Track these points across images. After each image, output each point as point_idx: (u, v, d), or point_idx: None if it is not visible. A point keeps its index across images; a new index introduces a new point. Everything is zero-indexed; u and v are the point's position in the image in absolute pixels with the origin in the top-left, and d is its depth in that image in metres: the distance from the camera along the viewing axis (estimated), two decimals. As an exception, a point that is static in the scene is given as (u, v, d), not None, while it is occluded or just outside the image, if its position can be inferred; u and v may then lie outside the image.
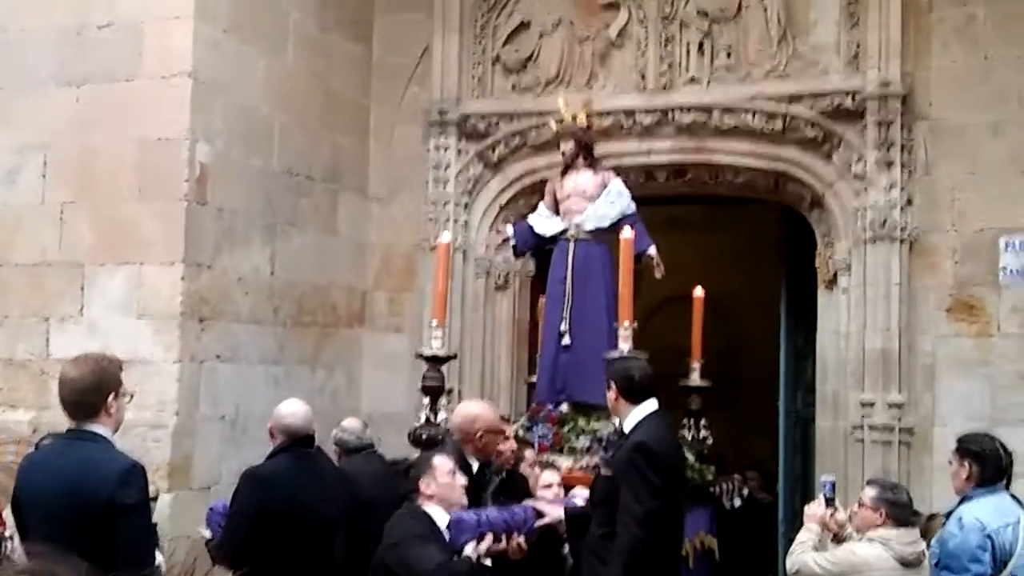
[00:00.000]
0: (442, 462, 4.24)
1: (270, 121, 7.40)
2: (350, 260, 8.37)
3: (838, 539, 4.86)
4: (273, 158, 7.43)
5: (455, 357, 6.38)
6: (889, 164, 7.21)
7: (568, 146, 6.89)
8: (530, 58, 8.23)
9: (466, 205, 8.28)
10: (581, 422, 6.34)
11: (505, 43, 8.32)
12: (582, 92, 7.86)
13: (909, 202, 7.21)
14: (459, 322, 8.18)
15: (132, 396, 3.68)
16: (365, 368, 8.44)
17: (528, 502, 4.66)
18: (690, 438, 6.80)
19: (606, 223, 6.68)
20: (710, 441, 6.91)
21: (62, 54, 6.85)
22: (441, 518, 4.08)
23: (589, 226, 6.72)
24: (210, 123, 6.77)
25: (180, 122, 6.59)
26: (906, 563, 4.49)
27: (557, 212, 6.93)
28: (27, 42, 6.96)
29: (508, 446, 5.12)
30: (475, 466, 4.65)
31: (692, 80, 7.80)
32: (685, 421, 6.89)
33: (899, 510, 4.57)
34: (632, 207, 6.77)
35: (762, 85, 7.61)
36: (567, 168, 6.94)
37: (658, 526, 4.25)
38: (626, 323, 5.88)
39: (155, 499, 5.28)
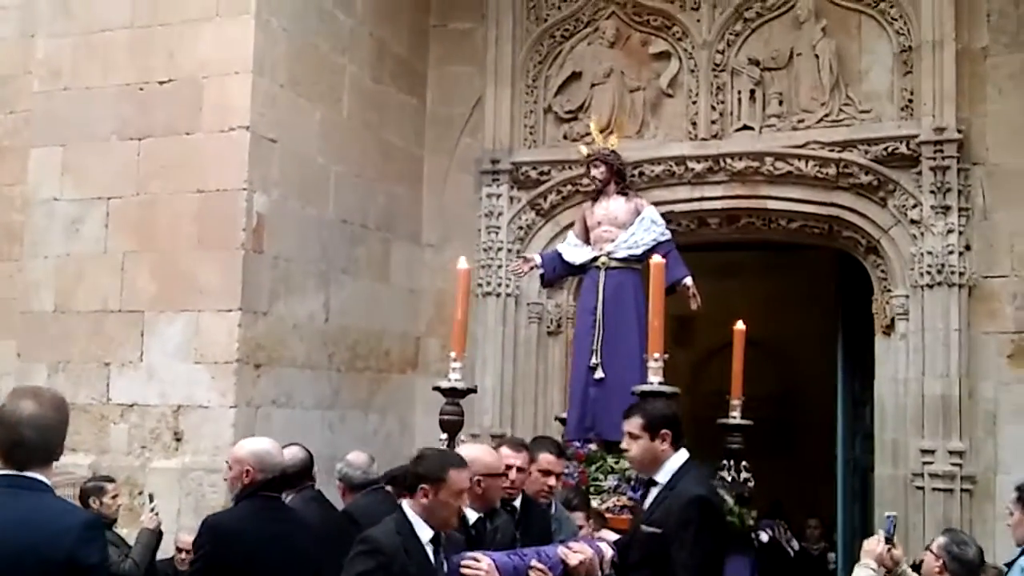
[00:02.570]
0: (459, 476, 3.70)
1: (326, 171, 7.54)
2: (403, 306, 8.45)
3: None
4: (328, 207, 7.56)
5: (475, 390, 5.97)
6: (946, 209, 7.14)
7: (599, 171, 6.68)
8: (581, 107, 8.32)
9: (518, 252, 8.33)
10: (610, 461, 6.06)
11: (557, 93, 8.43)
12: (633, 140, 7.91)
13: (967, 247, 7.13)
14: (511, 368, 8.21)
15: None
16: (418, 413, 8.48)
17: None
18: (730, 479, 6.39)
19: (639, 251, 6.42)
20: (751, 483, 6.46)
21: (124, 109, 7.06)
22: (426, 530, 3.63)
23: (620, 254, 6.48)
24: (267, 174, 6.92)
25: (238, 174, 6.74)
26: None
27: (588, 241, 6.70)
28: (91, 98, 7.18)
29: (519, 479, 4.54)
30: (472, 518, 4.13)
31: (744, 128, 7.82)
32: (725, 462, 6.47)
33: (959, 565, 4.48)
34: (667, 235, 6.54)
35: (815, 132, 7.60)
36: (598, 195, 6.73)
37: None
38: (656, 355, 5.47)
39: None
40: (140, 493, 6.39)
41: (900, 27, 7.49)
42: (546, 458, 4.76)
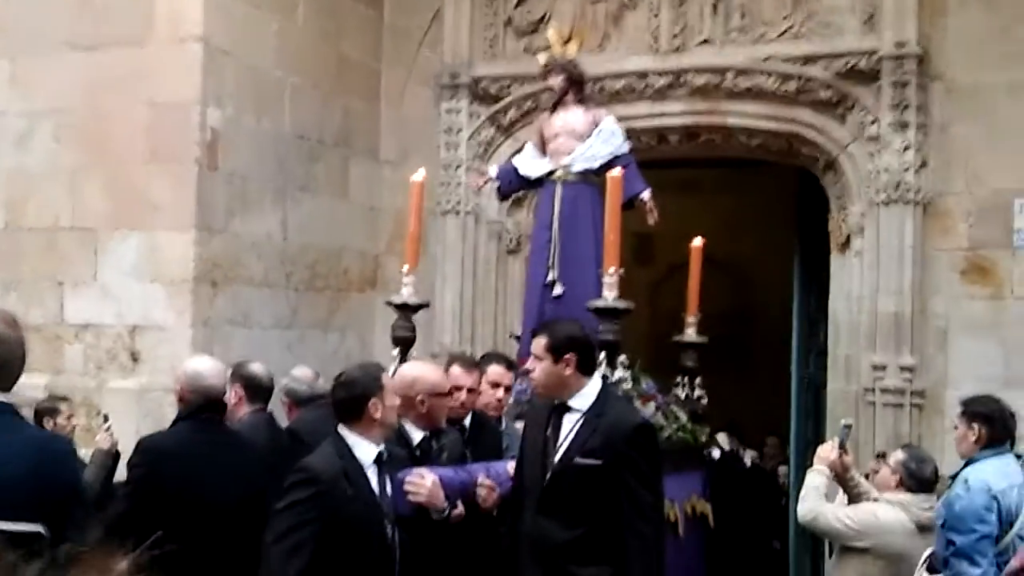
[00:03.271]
0: (388, 378, 3.77)
1: (281, 84, 7.39)
2: (362, 224, 8.37)
3: (845, 487, 4.92)
4: (285, 122, 7.42)
5: (427, 305, 5.82)
6: (904, 126, 7.14)
7: (557, 80, 6.33)
8: (542, 20, 8.16)
9: (478, 169, 8.26)
10: None
11: (517, 5, 8.25)
12: (595, 54, 7.79)
13: (923, 164, 7.15)
14: (471, 286, 8.20)
15: None
16: (378, 331, 8.47)
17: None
18: (683, 397, 6.30)
19: (596, 163, 6.10)
20: (704, 400, 6.41)
21: (73, 19, 6.84)
22: (369, 451, 3.60)
23: (578, 167, 6.15)
24: (221, 87, 6.77)
25: (191, 86, 6.59)
26: (923, 527, 4.54)
27: (545, 153, 6.39)
28: (38, 6, 6.95)
29: (469, 399, 4.41)
30: (417, 437, 4.03)
31: (705, 42, 7.73)
32: (679, 379, 6.36)
33: (915, 482, 4.64)
34: (625, 147, 6.25)
35: (776, 46, 7.53)
36: (556, 105, 6.40)
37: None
38: (612, 269, 5.23)
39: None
40: (98, 414, 6.35)
41: (864, -61, 7.39)
42: (495, 370, 4.73)
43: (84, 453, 5.76)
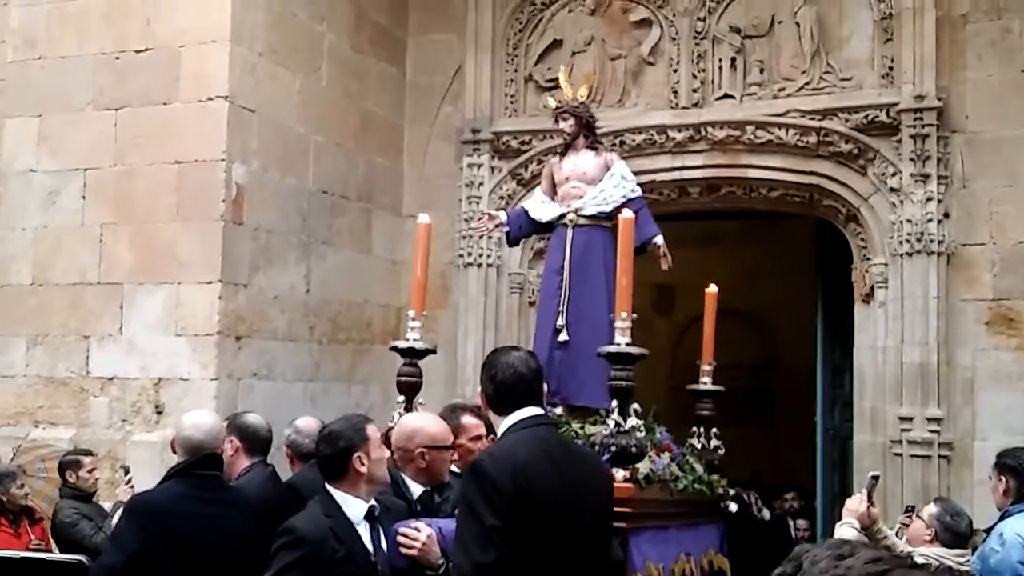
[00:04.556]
0: (374, 430, 3.49)
1: (305, 141, 7.49)
2: (384, 278, 8.42)
3: (873, 540, 4.84)
4: (308, 178, 7.51)
5: (434, 351, 5.59)
6: (925, 177, 7.16)
7: (567, 124, 6.16)
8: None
9: (487, 212, 8.28)
10: (575, 427, 5.61)
11: (537, 62, 8.37)
12: (615, 109, 7.87)
13: (946, 215, 7.15)
14: (493, 338, 8.19)
15: None
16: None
17: None
18: (699, 447, 6.02)
19: (608, 207, 5.95)
20: (721, 451, 6.12)
21: (101, 78, 6.98)
22: (359, 508, 3.41)
23: (589, 211, 5.99)
24: (246, 144, 6.87)
25: (217, 144, 6.69)
26: (959, 582, 4.47)
27: (555, 197, 6.23)
28: (67, 67, 7.09)
29: (479, 445, 4.16)
30: (417, 491, 3.81)
31: (725, 96, 7.81)
32: (695, 429, 6.09)
33: (951, 536, 4.55)
34: (637, 191, 6.10)
35: (795, 100, 7.60)
36: (566, 149, 6.25)
37: None
38: (623, 314, 4.98)
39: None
40: (122, 467, 6.38)
41: (881, -6, 7.47)
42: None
43: (107, 506, 5.80)
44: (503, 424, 3.37)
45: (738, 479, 7.00)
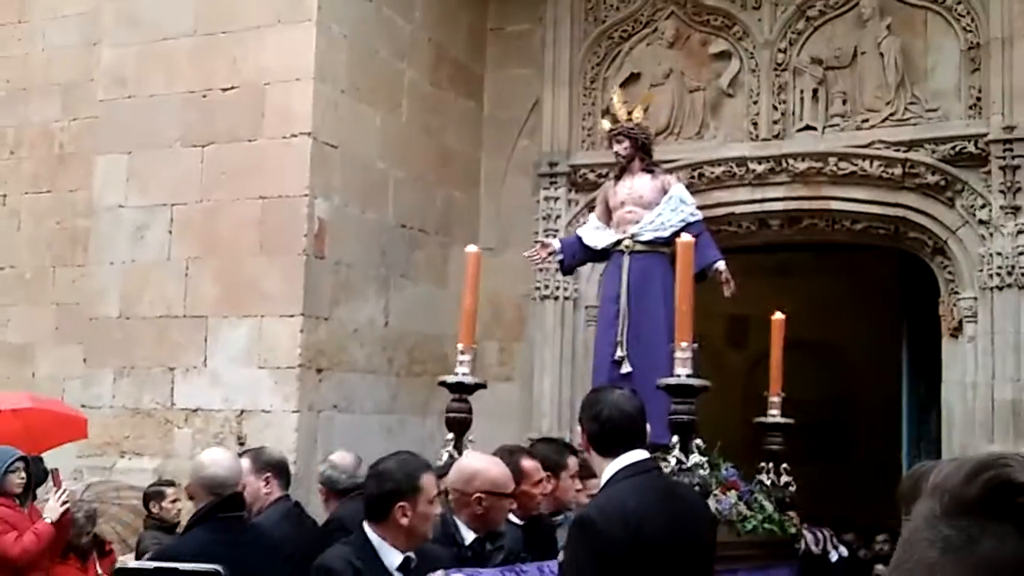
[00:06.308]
0: (430, 480, 3.22)
1: (385, 176, 7.57)
2: (460, 311, 8.42)
3: None
4: (388, 212, 7.58)
5: (484, 386, 5.40)
6: (1016, 209, 6.99)
7: (622, 147, 5.93)
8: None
9: (541, 240, 8.24)
10: None
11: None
12: (693, 141, 7.83)
13: (1038, 248, 6.96)
14: (569, 372, 8.16)
15: None
16: (476, 417, 8.45)
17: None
18: (769, 483, 5.69)
19: (666, 233, 5.70)
20: (792, 487, 5.78)
21: (188, 116, 7.14)
22: (394, 557, 3.16)
23: (646, 236, 5.76)
24: (328, 180, 6.96)
25: (300, 180, 6.79)
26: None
27: (610, 223, 6.03)
28: (155, 105, 7.27)
29: (540, 489, 4.00)
30: (470, 538, 3.51)
31: (806, 128, 7.71)
32: (763, 464, 5.73)
33: None
34: (697, 215, 5.85)
35: (879, 131, 7.48)
36: (622, 172, 6.01)
37: None
38: (684, 344, 4.70)
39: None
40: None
41: (967, 24, 7.34)
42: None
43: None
44: (608, 468, 3.13)
45: (822, 521, 6.77)
